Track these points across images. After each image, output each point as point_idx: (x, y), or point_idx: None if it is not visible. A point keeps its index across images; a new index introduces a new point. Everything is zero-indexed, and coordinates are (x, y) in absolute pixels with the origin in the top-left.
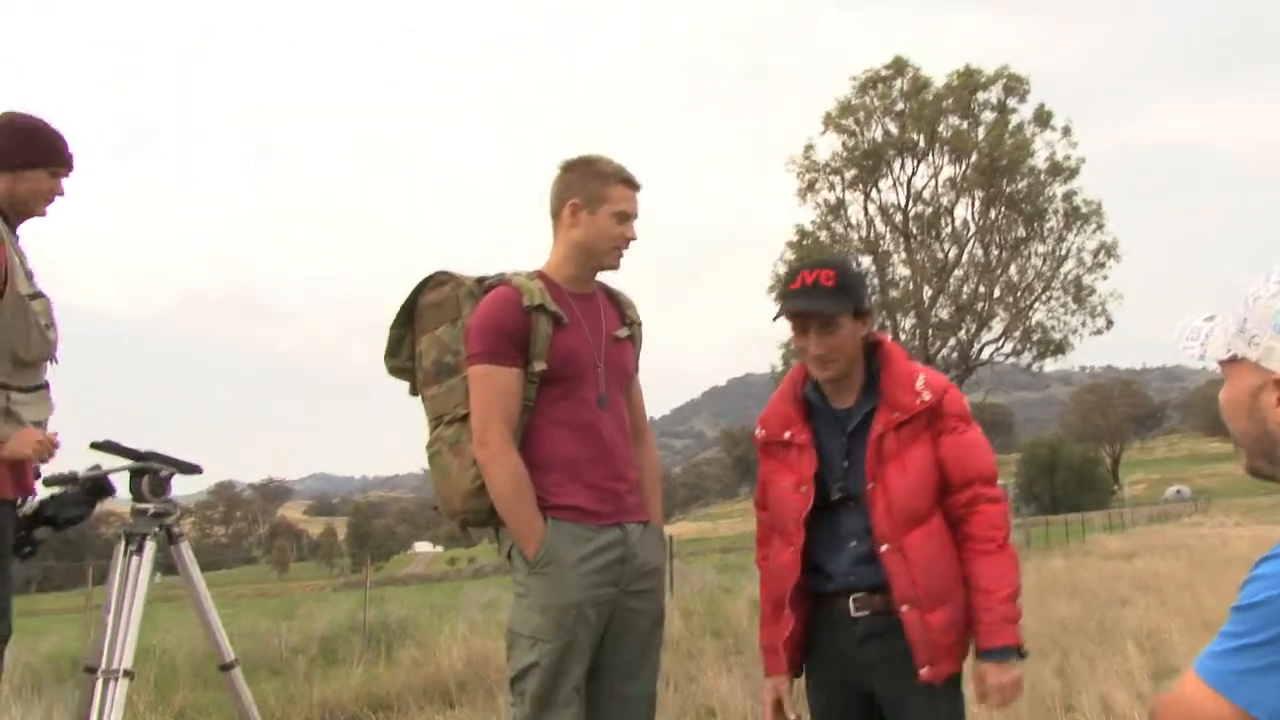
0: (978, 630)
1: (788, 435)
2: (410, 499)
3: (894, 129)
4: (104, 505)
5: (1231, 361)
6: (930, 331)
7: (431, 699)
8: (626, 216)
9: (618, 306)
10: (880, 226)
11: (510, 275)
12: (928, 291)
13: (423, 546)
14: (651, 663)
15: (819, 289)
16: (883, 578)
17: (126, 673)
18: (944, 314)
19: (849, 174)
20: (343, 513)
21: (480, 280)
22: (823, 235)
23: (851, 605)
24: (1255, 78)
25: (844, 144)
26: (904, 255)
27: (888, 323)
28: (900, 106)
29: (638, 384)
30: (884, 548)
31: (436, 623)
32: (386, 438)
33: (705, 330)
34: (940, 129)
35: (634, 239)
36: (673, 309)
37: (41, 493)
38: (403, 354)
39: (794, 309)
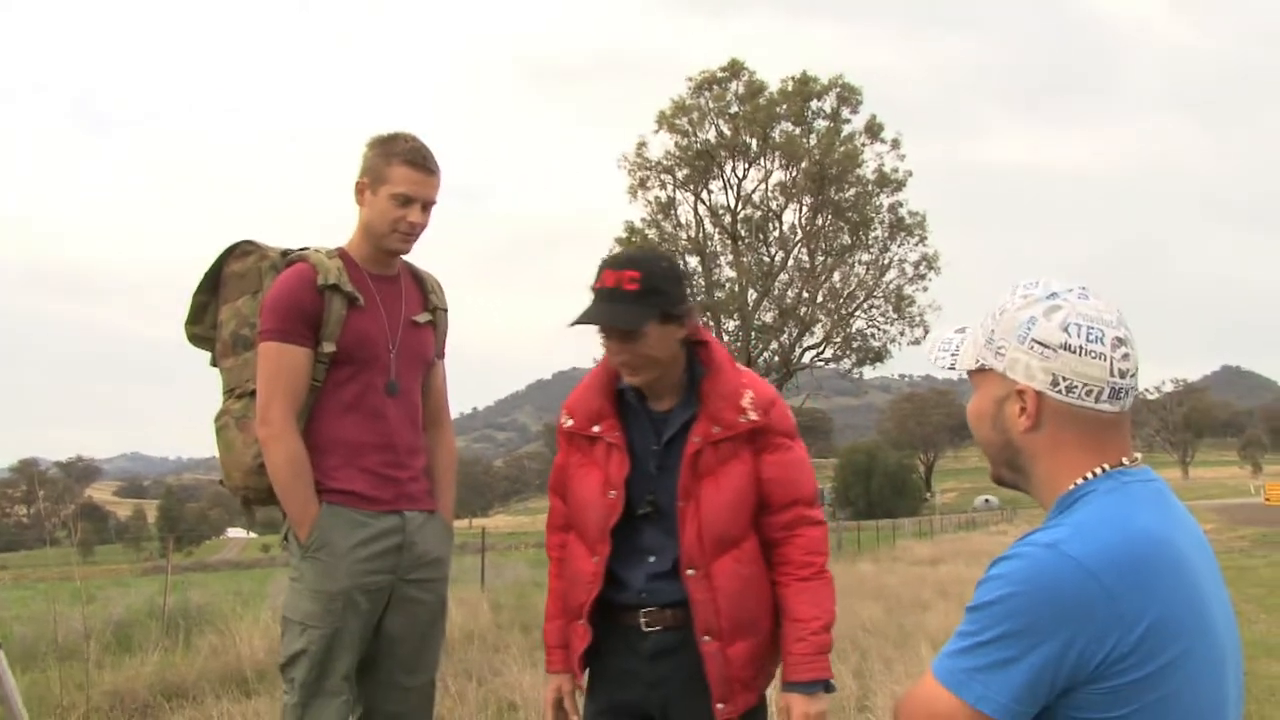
0: (787, 660)
1: (596, 430)
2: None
3: (727, 131)
4: None
5: (980, 372)
6: (753, 334)
7: (229, 688)
8: (408, 200)
9: (421, 290)
10: (709, 227)
11: (311, 251)
12: (753, 295)
13: (236, 532)
14: (432, 654)
15: (620, 295)
16: (679, 594)
17: None
18: (768, 317)
19: (680, 173)
20: (154, 495)
21: (284, 254)
22: (651, 233)
23: (643, 620)
24: (1065, 107)
25: (677, 143)
26: (731, 257)
27: (711, 323)
28: (735, 109)
29: (440, 370)
30: (690, 572)
31: (240, 610)
32: (202, 418)
33: (532, 322)
34: (773, 134)
35: (418, 224)
36: (501, 299)
37: None
38: (205, 321)
39: (588, 320)
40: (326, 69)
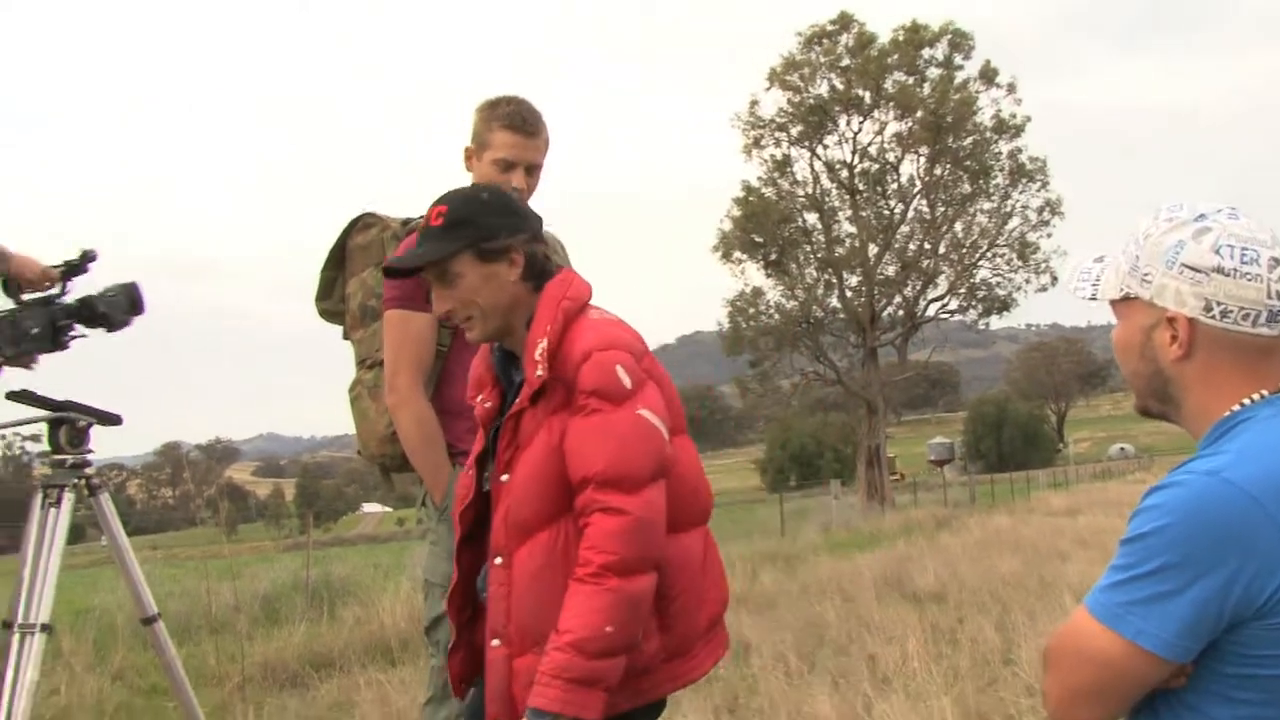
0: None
1: (480, 399)
2: (359, 459)
3: (840, 85)
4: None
5: (1124, 301)
6: (876, 289)
7: (374, 657)
8: (510, 165)
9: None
10: (826, 183)
11: None
12: (873, 249)
13: (371, 507)
14: None
15: (428, 232)
16: None
17: (44, 627)
18: (890, 271)
19: (795, 130)
20: (291, 474)
21: (405, 222)
22: (768, 191)
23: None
24: (1176, 40)
25: (789, 100)
26: (850, 212)
27: (833, 280)
28: (846, 62)
29: None
30: (498, 561)
31: (381, 581)
32: (335, 396)
33: (654, 287)
34: (886, 85)
35: (519, 187)
36: (621, 265)
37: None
38: (334, 296)
39: (390, 266)
40: (431, 27)
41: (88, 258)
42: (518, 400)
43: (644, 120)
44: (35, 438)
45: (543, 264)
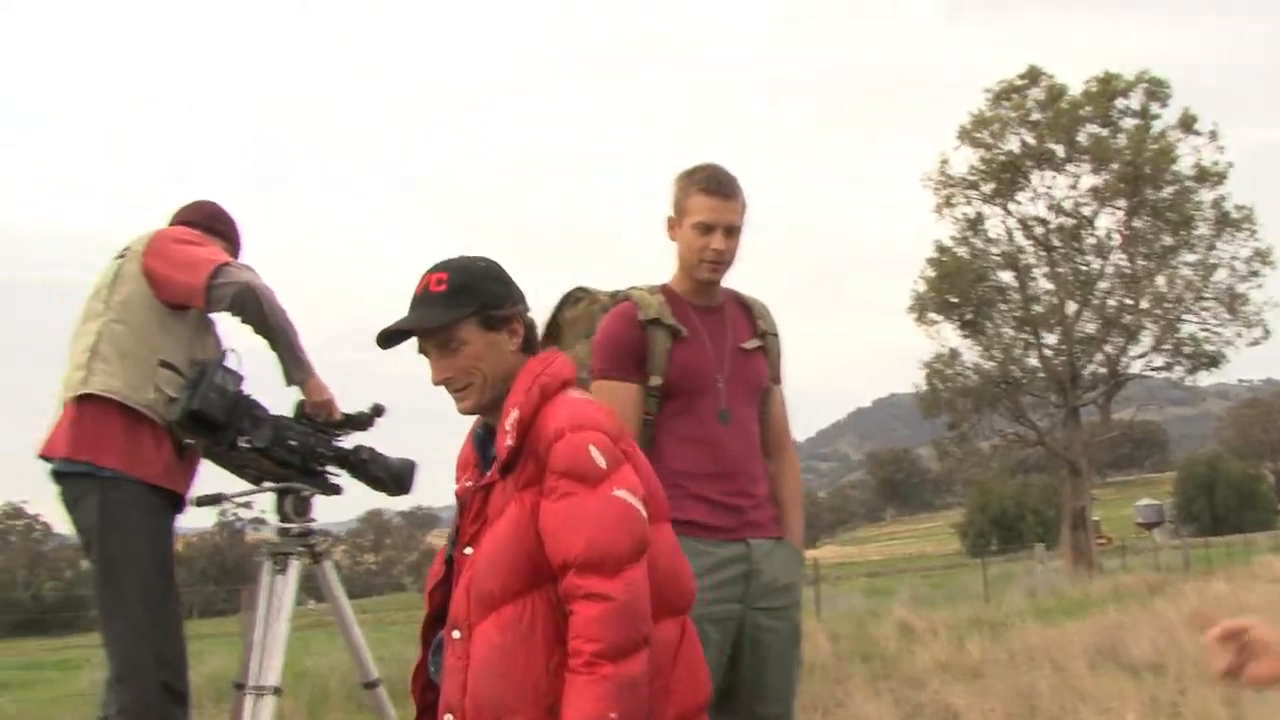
0: None
1: (464, 481)
2: None
3: (1031, 140)
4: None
5: None
6: (1076, 347)
7: None
8: (709, 227)
9: (749, 316)
10: (1021, 240)
11: (635, 290)
12: (1072, 306)
13: None
14: (787, 683)
15: (428, 298)
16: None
17: (275, 690)
18: (1090, 328)
19: (986, 187)
20: None
21: (614, 295)
22: (961, 251)
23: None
24: None
25: (980, 157)
26: (1046, 269)
27: (1031, 339)
28: (1036, 116)
29: (778, 395)
30: (455, 635)
31: None
32: None
33: (848, 349)
34: (1079, 138)
35: (720, 249)
36: (815, 328)
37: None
38: None
39: (392, 330)
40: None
41: (376, 413)
42: (488, 473)
43: (826, 176)
44: (248, 505)
45: (535, 337)
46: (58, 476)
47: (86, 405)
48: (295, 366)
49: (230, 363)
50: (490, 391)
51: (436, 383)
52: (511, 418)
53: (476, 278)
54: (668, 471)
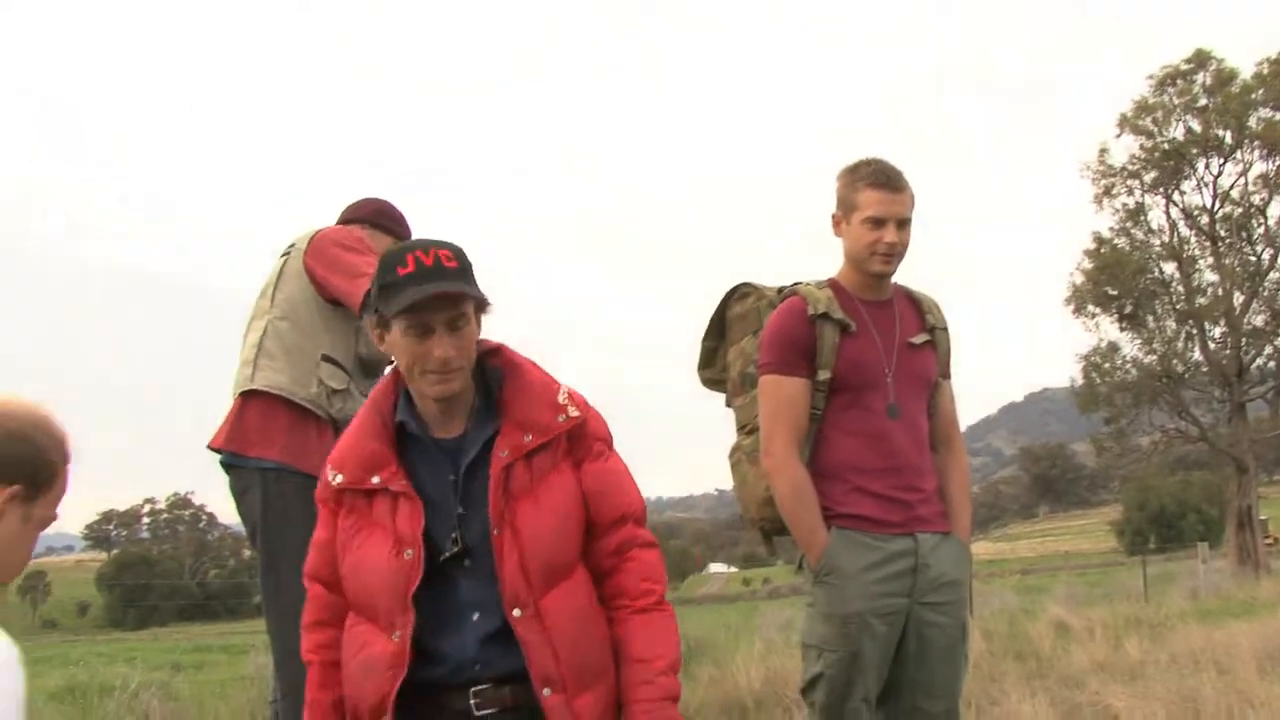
0: (633, 709)
1: (376, 481)
2: (705, 520)
3: (1196, 126)
4: None
5: None
6: (1243, 340)
7: (730, 715)
8: (880, 221)
9: (918, 311)
10: (1184, 230)
11: (803, 285)
12: (1239, 297)
13: (718, 567)
14: (953, 679)
15: (445, 271)
16: (516, 663)
17: None
18: (1258, 321)
19: (1148, 177)
20: None
21: (780, 291)
22: (1121, 242)
23: (473, 701)
24: None
25: (1141, 145)
26: (1211, 260)
27: (1195, 332)
28: (1203, 102)
29: (947, 390)
30: (516, 613)
31: (733, 642)
32: (681, 458)
33: (997, 344)
34: (1250, 123)
35: (895, 243)
36: (964, 321)
37: None
38: (716, 365)
39: (424, 295)
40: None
41: None
42: (509, 449)
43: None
44: None
45: None
46: (226, 468)
47: (253, 400)
48: None
49: None
50: (466, 379)
51: (442, 359)
52: (563, 393)
53: (471, 266)
54: (835, 465)
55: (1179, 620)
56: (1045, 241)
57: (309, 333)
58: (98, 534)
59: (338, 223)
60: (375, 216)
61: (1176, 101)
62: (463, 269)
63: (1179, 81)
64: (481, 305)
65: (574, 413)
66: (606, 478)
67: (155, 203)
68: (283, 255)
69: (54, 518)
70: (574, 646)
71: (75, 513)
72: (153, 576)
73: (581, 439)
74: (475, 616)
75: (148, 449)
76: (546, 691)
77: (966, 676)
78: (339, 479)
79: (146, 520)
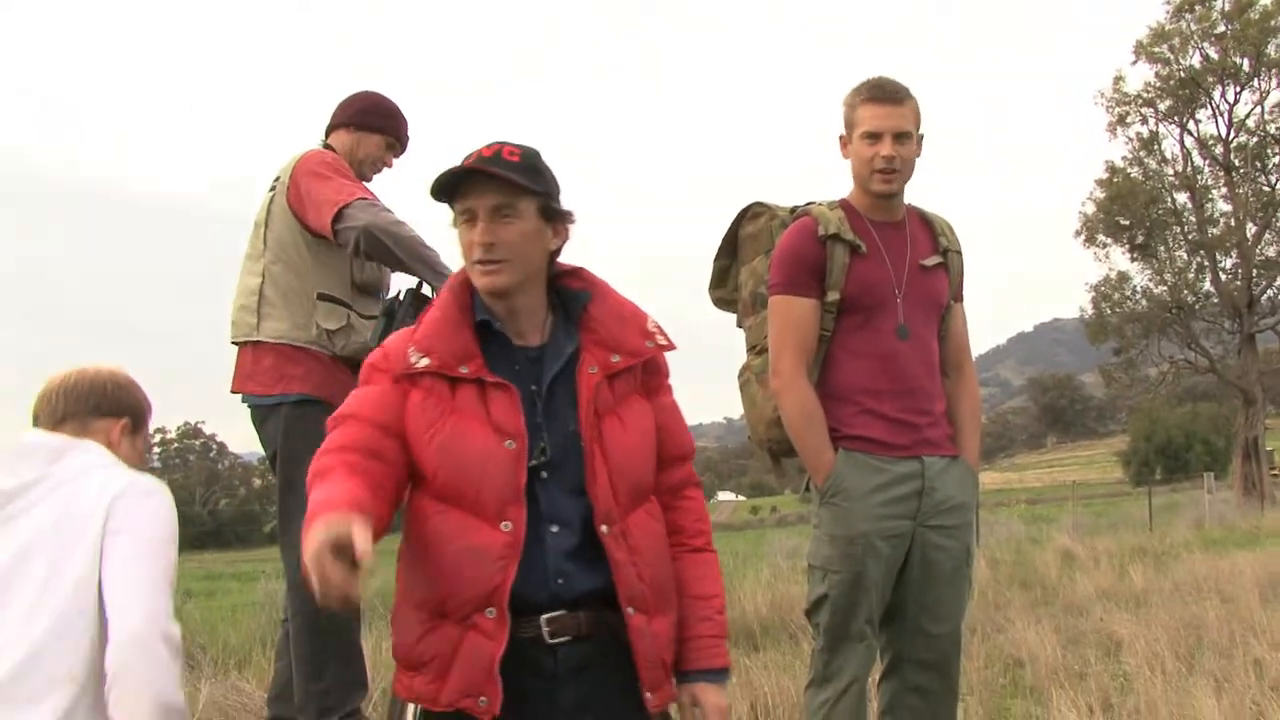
0: (693, 644)
1: (465, 370)
2: (714, 448)
3: (1214, 54)
4: None
5: None
6: (1255, 271)
7: (736, 642)
8: (875, 135)
9: (930, 232)
10: (1198, 160)
11: (814, 205)
12: (1251, 228)
13: (725, 495)
14: (957, 601)
15: (501, 161)
16: (598, 582)
17: None
18: (1270, 252)
19: (1163, 105)
20: None
21: (792, 210)
22: (1134, 171)
23: (545, 629)
24: None
25: (1157, 74)
26: (1225, 190)
27: (1206, 263)
28: (1221, 29)
29: (959, 314)
30: (604, 529)
31: (740, 569)
32: (689, 386)
33: (1009, 274)
34: (1268, 50)
35: (892, 155)
36: (975, 252)
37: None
38: (728, 285)
39: (455, 171)
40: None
41: None
42: (598, 365)
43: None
44: None
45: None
46: (249, 403)
47: (263, 348)
48: (441, 283)
49: (426, 290)
50: (518, 277)
51: (481, 243)
52: (652, 320)
53: (545, 167)
54: (843, 387)
55: (1183, 550)
56: (1052, 170)
57: (301, 273)
58: None
59: (327, 127)
60: (358, 117)
61: (1194, 28)
62: (526, 166)
63: (1197, 8)
64: (549, 211)
65: (662, 340)
66: (673, 413)
67: None
68: (269, 190)
69: (147, 450)
70: (654, 567)
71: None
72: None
73: (656, 371)
74: (555, 529)
75: (157, 379)
76: (630, 610)
77: (971, 601)
78: (424, 361)
79: (157, 450)
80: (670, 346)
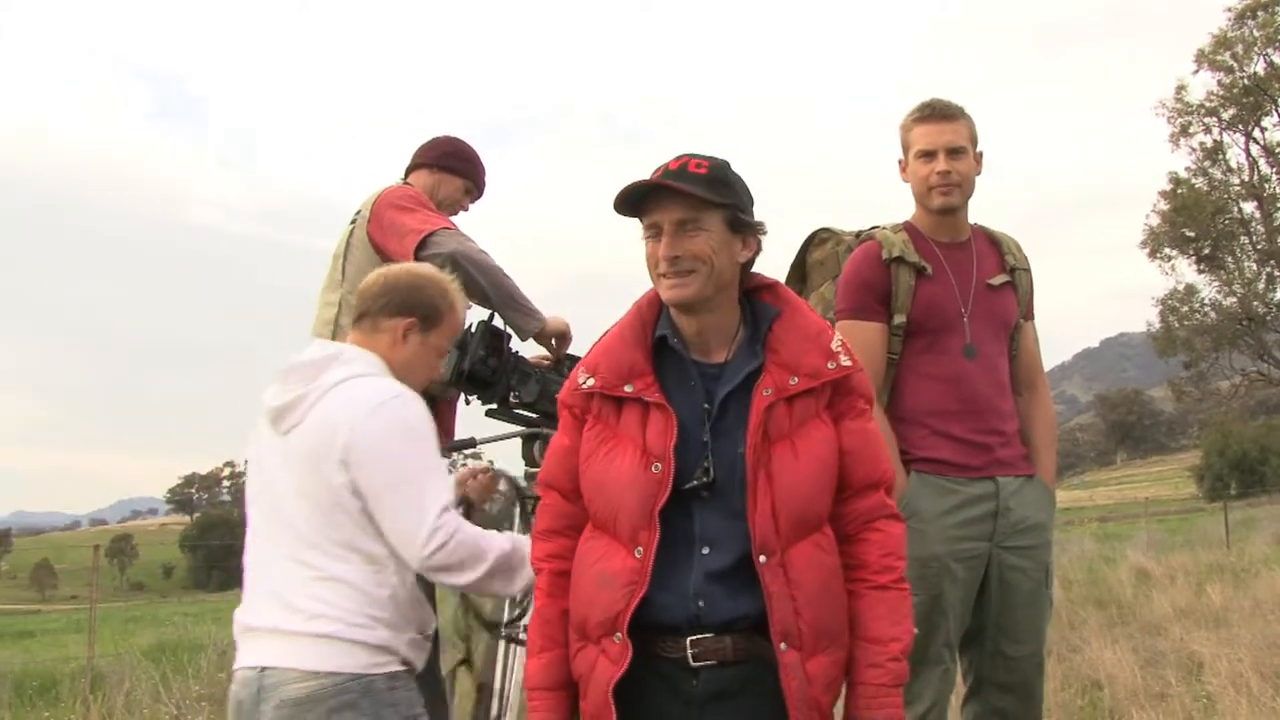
0: (858, 690)
1: (630, 390)
2: None
3: (1278, 61)
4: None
5: None
6: None
7: None
8: (929, 154)
9: (998, 252)
10: (1265, 169)
11: (879, 229)
12: None
13: None
14: (1037, 623)
15: (686, 174)
16: (744, 608)
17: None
18: None
19: (1227, 114)
20: None
21: (858, 235)
22: (1199, 182)
23: (691, 650)
24: None
25: (1220, 82)
26: None
27: (1276, 272)
28: None
29: (1029, 332)
30: (763, 559)
31: None
32: None
33: (1072, 290)
34: None
35: (948, 171)
36: (1038, 267)
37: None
38: None
39: (638, 186)
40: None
41: None
42: (773, 387)
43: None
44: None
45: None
46: None
47: None
48: (524, 320)
49: (498, 321)
50: (709, 289)
51: (665, 257)
52: (836, 340)
53: (735, 177)
54: (912, 409)
55: (1263, 566)
56: (1121, 185)
57: None
58: (180, 497)
59: (408, 167)
60: (442, 159)
61: (1257, 34)
62: (713, 179)
63: (1260, 14)
64: (736, 223)
65: (845, 361)
66: (866, 438)
67: None
68: (350, 222)
69: (445, 348)
70: (816, 604)
71: (158, 477)
72: (234, 538)
73: (847, 393)
74: (705, 551)
75: (227, 413)
76: (783, 646)
77: (1051, 620)
78: (590, 382)
79: (227, 484)
80: (855, 368)
